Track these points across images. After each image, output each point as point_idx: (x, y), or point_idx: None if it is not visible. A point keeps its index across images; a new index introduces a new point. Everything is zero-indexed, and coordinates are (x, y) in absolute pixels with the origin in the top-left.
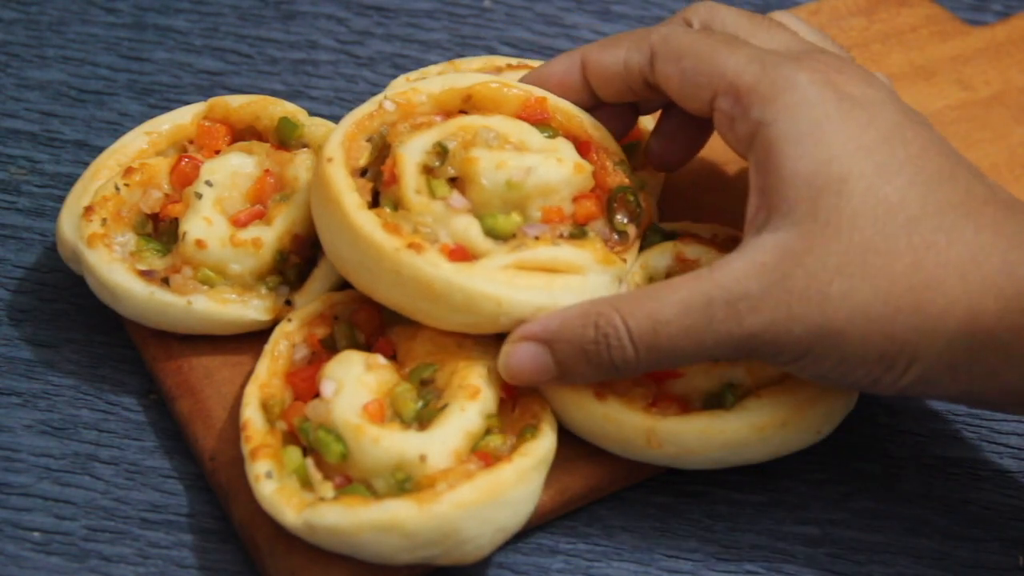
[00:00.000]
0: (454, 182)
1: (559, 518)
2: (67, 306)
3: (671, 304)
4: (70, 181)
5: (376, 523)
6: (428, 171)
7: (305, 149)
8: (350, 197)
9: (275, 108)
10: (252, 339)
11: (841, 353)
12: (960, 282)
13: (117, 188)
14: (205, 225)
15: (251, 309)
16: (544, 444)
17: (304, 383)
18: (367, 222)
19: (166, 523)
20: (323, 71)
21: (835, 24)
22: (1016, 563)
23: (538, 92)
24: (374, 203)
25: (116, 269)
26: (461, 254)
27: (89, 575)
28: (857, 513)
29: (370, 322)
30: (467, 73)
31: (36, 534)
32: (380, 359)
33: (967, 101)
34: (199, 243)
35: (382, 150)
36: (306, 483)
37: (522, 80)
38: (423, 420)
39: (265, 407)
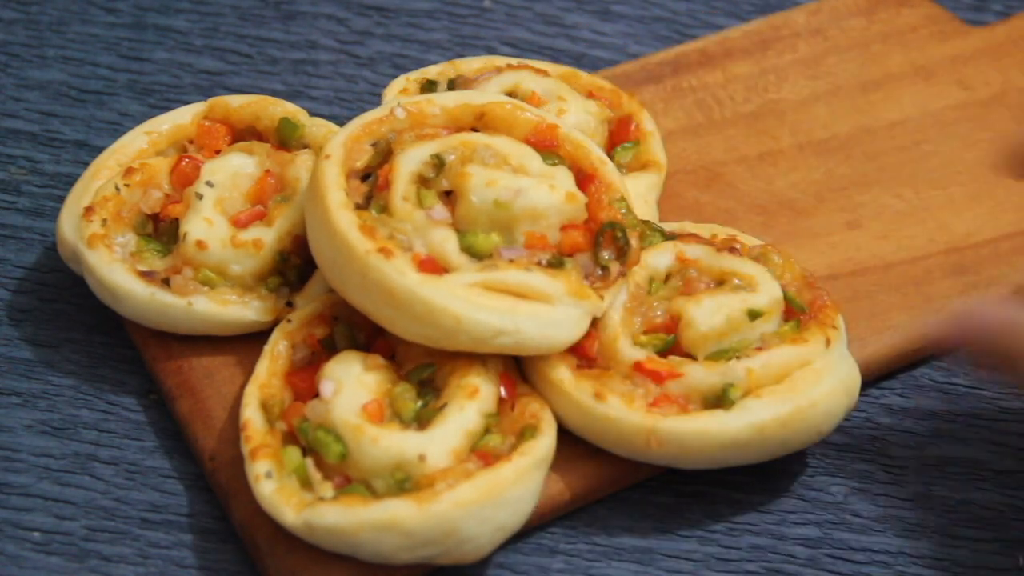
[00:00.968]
0: (449, 196)
1: (559, 518)
2: (67, 306)
3: None
4: (70, 181)
5: (376, 523)
6: (423, 181)
7: (306, 150)
8: (335, 195)
9: (276, 108)
10: (252, 339)
11: None
12: None
13: (117, 188)
14: (206, 226)
15: (251, 310)
16: (543, 443)
17: (304, 383)
18: (344, 220)
19: (166, 523)
20: (323, 71)
21: (835, 24)
22: (1016, 563)
23: (550, 119)
24: (366, 206)
25: (116, 270)
26: (431, 266)
27: (89, 575)
28: (857, 514)
29: (369, 322)
30: (483, 92)
31: (36, 534)
32: (379, 359)
33: (967, 101)
34: (200, 244)
35: (386, 155)
36: (306, 483)
37: None
38: (422, 420)
39: (265, 407)
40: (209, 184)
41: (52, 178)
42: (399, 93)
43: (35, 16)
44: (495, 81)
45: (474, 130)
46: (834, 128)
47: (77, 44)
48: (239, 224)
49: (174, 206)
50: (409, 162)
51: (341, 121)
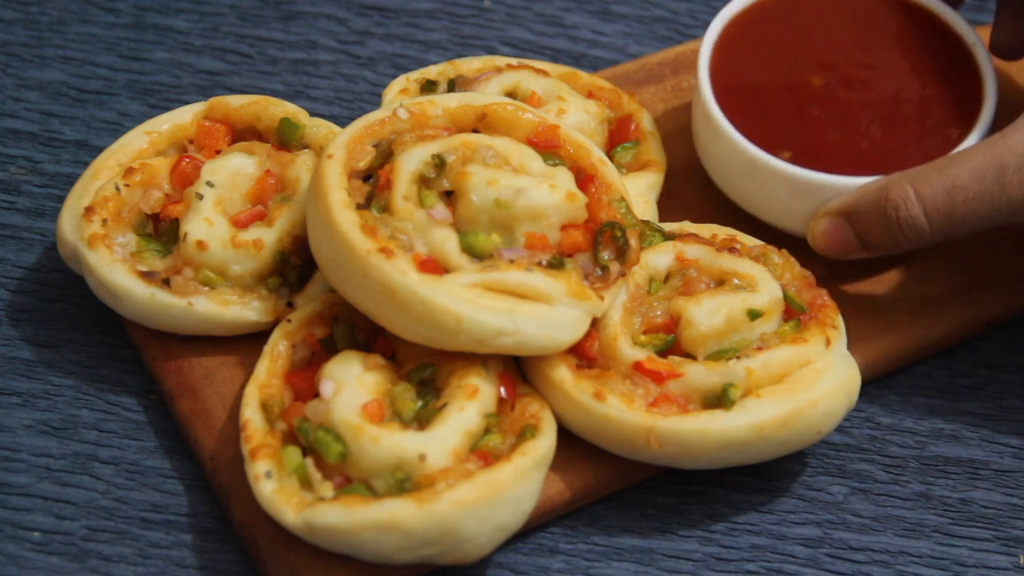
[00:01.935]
0: (450, 196)
1: (559, 518)
2: (67, 306)
3: (966, 171)
4: (70, 181)
5: (376, 522)
6: (424, 181)
7: (306, 150)
8: (337, 194)
9: (276, 108)
10: (252, 339)
11: None
12: None
13: (117, 188)
14: (206, 226)
15: (252, 310)
16: (543, 443)
17: (304, 383)
18: (346, 220)
19: (166, 523)
20: (323, 71)
21: None
22: (1016, 563)
23: (552, 120)
24: (367, 206)
25: (117, 270)
26: (432, 266)
27: (89, 575)
28: (857, 513)
29: (369, 322)
30: (484, 93)
31: (36, 534)
32: (379, 359)
33: None
34: (200, 244)
35: (387, 156)
36: (306, 483)
37: None
38: (422, 420)
39: (265, 407)
40: (209, 184)
41: (52, 178)
42: (399, 93)
43: (35, 16)
44: (495, 81)
45: (475, 131)
46: None
47: (77, 44)
48: (239, 224)
49: (174, 206)
50: (410, 162)
51: (341, 121)
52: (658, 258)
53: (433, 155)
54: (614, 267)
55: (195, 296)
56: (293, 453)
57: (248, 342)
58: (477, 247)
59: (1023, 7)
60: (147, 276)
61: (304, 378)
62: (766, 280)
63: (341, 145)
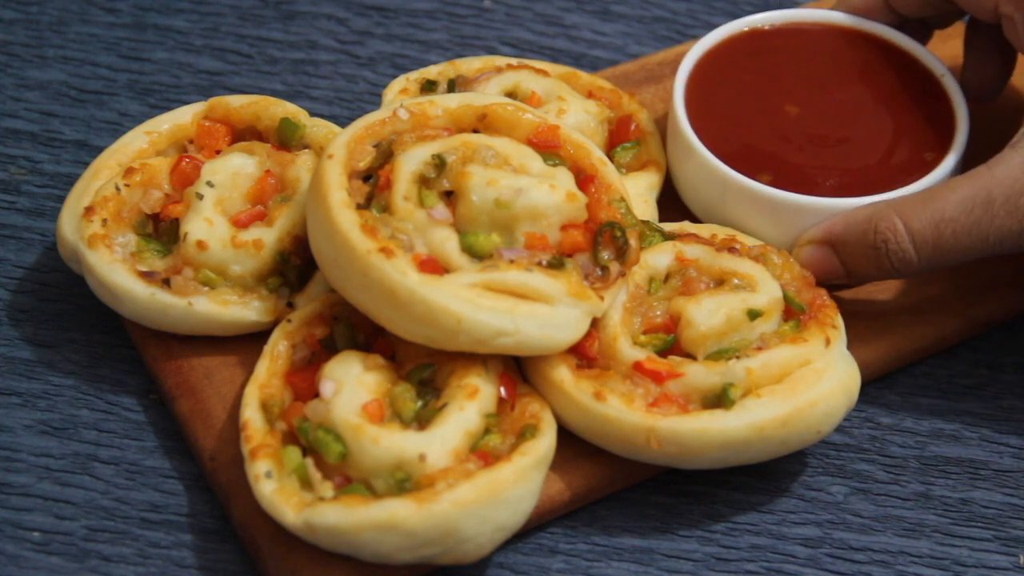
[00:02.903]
0: (449, 196)
1: (559, 518)
2: (67, 306)
3: (953, 203)
4: (70, 181)
5: (376, 522)
6: (424, 182)
7: (306, 150)
8: (337, 194)
9: (276, 108)
10: (252, 339)
11: None
12: None
13: (117, 188)
14: (206, 226)
15: (252, 310)
16: (543, 443)
17: (304, 383)
18: (346, 220)
19: (166, 523)
20: (323, 71)
21: None
22: (1016, 563)
23: (551, 120)
24: (367, 206)
25: (117, 270)
26: (432, 266)
27: (89, 575)
28: (857, 513)
29: (369, 322)
30: (485, 93)
31: (36, 534)
32: (379, 359)
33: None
34: (200, 244)
35: (387, 156)
36: (306, 483)
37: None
38: (422, 420)
39: (265, 407)
40: (209, 184)
41: (52, 178)
42: (399, 93)
43: (35, 16)
44: (495, 81)
45: (476, 131)
46: None
47: (77, 44)
48: (239, 224)
49: (174, 206)
50: (410, 162)
51: (341, 121)
52: (658, 258)
53: (433, 155)
54: (614, 267)
55: (195, 296)
56: (293, 453)
57: (248, 342)
58: (477, 247)
59: (991, 51)
60: (147, 276)
61: (304, 378)
62: (766, 280)
63: (341, 145)
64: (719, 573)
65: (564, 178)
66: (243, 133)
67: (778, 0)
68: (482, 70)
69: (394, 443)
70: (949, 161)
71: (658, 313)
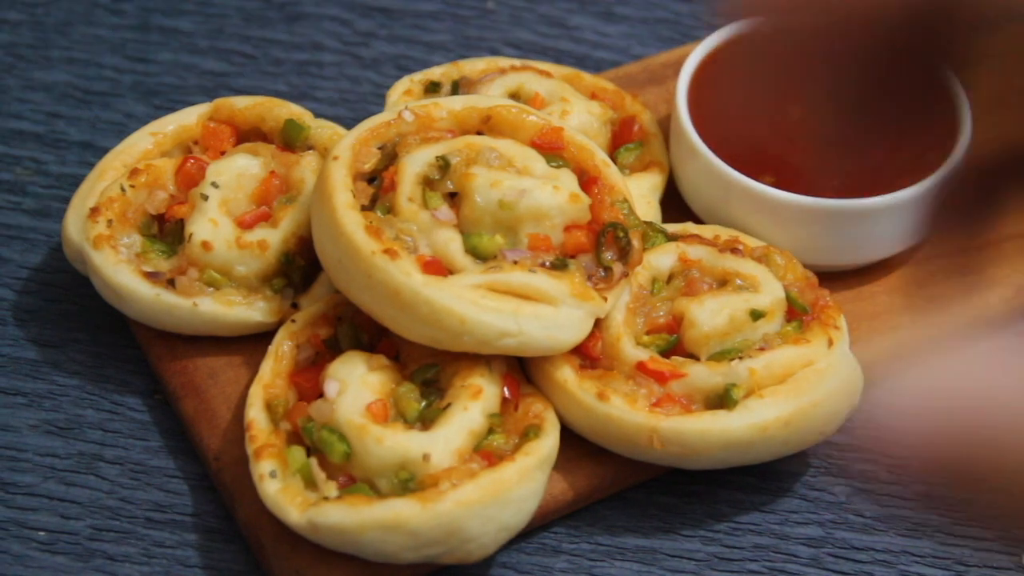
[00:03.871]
0: (454, 198)
1: (562, 518)
2: (72, 306)
3: None
4: (75, 182)
5: (380, 522)
6: (428, 183)
7: (311, 151)
8: (342, 195)
9: (281, 110)
10: (257, 340)
11: None
12: None
13: (123, 189)
14: (211, 227)
15: (256, 311)
16: (547, 443)
17: (308, 383)
18: (351, 221)
19: (171, 523)
20: (327, 72)
21: None
22: (1018, 562)
23: (555, 122)
24: (372, 207)
25: (122, 270)
26: (436, 267)
27: (94, 574)
28: (859, 513)
29: (373, 323)
30: (489, 95)
31: (41, 533)
32: (383, 360)
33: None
34: (205, 245)
35: (391, 158)
36: (310, 483)
37: None
38: (426, 420)
39: (269, 407)
40: (214, 185)
41: (57, 179)
42: (403, 95)
43: (40, 18)
44: (499, 82)
45: (480, 132)
46: None
47: (82, 45)
48: (244, 225)
49: (179, 207)
50: (415, 164)
51: (345, 122)
52: (661, 259)
53: (437, 157)
54: (617, 268)
55: (200, 297)
56: (297, 453)
57: (253, 342)
58: (481, 248)
59: None
60: (152, 277)
61: (308, 378)
62: (768, 281)
63: (347, 147)
64: (722, 573)
65: (567, 179)
66: (248, 134)
67: None
68: (486, 71)
69: (398, 443)
70: (952, 161)
71: (661, 313)
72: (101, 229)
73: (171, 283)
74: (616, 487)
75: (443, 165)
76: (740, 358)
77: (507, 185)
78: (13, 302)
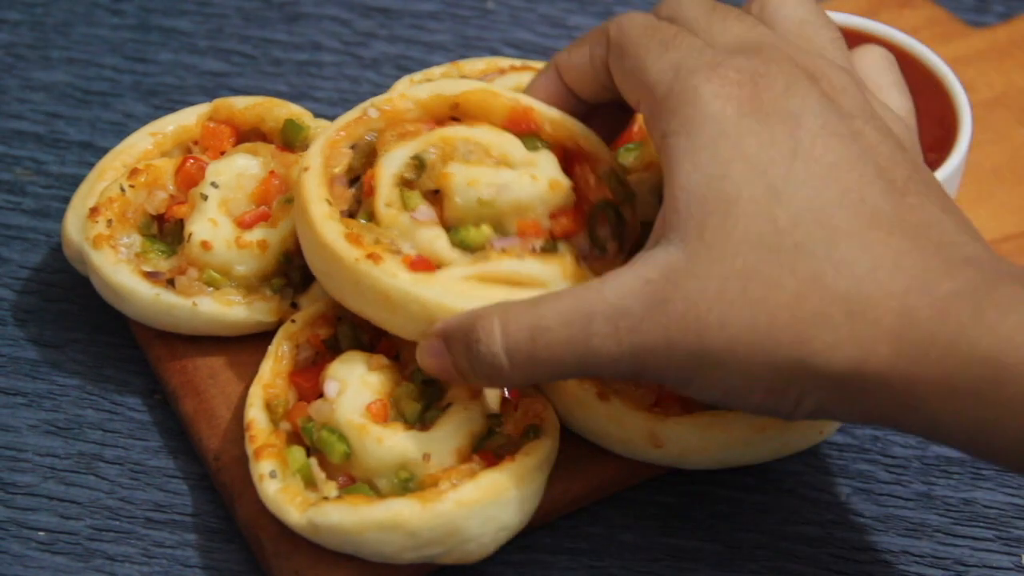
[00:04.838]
0: (436, 194)
1: (562, 518)
2: (72, 306)
3: (554, 313)
4: (75, 182)
5: (379, 522)
6: (407, 183)
7: None
8: (317, 207)
9: (280, 110)
10: (257, 339)
11: (725, 382)
12: (847, 321)
13: (122, 189)
14: (211, 226)
15: (256, 311)
16: (547, 444)
17: (308, 383)
18: (330, 232)
19: (171, 523)
20: (327, 73)
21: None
22: (1018, 563)
23: (525, 100)
24: (356, 212)
25: (121, 270)
26: (424, 264)
27: (94, 574)
28: (859, 513)
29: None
30: (456, 80)
31: (41, 533)
32: (383, 359)
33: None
34: (204, 244)
35: (369, 156)
36: (310, 483)
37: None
38: (426, 420)
39: (269, 407)
40: (214, 185)
41: (57, 179)
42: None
43: (40, 18)
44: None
45: (454, 119)
46: None
47: (82, 46)
48: (244, 225)
49: (179, 207)
50: (390, 166)
51: None
52: None
53: (412, 157)
54: (611, 245)
55: (199, 296)
56: (297, 453)
57: (252, 342)
58: (469, 240)
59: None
60: (152, 276)
61: (308, 378)
62: None
63: (315, 154)
64: (722, 573)
65: (546, 164)
66: (247, 134)
67: None
68: (485, 71)
69: (398, 443)
70: (952, 161)
71: None
72: (101, 229)
73: (171, 283)
74: (616, 487)
75: (419, 164)
76: None
77: (484, 182)
78: (13, 302)
